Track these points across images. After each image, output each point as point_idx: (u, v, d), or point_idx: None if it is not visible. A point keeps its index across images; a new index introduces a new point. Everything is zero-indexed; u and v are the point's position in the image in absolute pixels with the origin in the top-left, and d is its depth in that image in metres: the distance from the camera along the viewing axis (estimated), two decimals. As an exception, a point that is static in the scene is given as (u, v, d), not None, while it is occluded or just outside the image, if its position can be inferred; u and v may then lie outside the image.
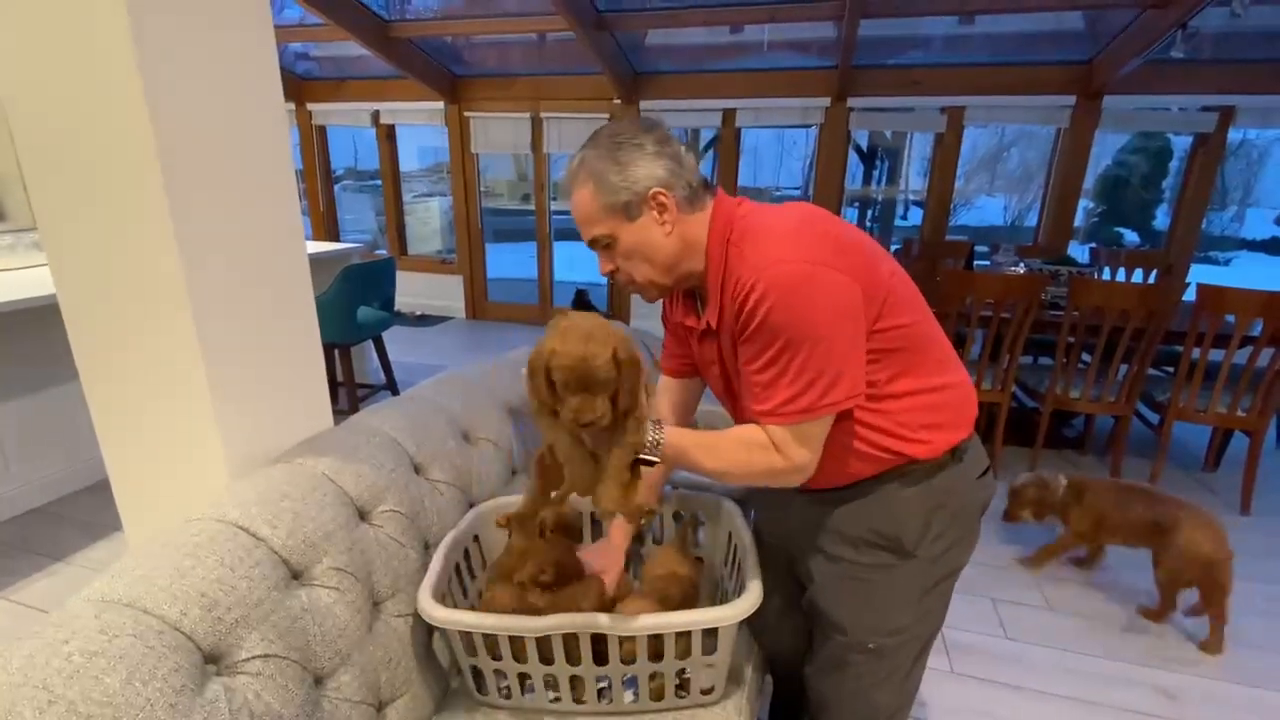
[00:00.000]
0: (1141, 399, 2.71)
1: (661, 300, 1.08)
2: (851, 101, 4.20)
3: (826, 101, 4.21)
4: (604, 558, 1.14)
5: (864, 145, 7.11)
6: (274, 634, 0.78)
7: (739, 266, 0.83)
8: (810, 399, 0.81)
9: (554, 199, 5.19)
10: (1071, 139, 3.93)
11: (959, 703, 1.61)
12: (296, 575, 0.88)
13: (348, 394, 3.04)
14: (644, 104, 4.58)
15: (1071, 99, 3.83)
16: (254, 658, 0.75)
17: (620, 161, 0.87)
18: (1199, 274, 4.01)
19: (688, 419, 1.16)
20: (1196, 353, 2.41)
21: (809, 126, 4.44)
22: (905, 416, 0.87)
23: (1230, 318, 2.36)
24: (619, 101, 4.58)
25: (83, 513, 2.40)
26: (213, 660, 0.73)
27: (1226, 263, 9.54)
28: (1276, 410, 2.53)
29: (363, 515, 1.02)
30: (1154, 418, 2.80)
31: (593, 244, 0.93)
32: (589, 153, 0.89)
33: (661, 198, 0.88)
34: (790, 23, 3.76)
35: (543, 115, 4.84)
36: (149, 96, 0.85)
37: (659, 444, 0.85)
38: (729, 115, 4.45)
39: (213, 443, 1.03)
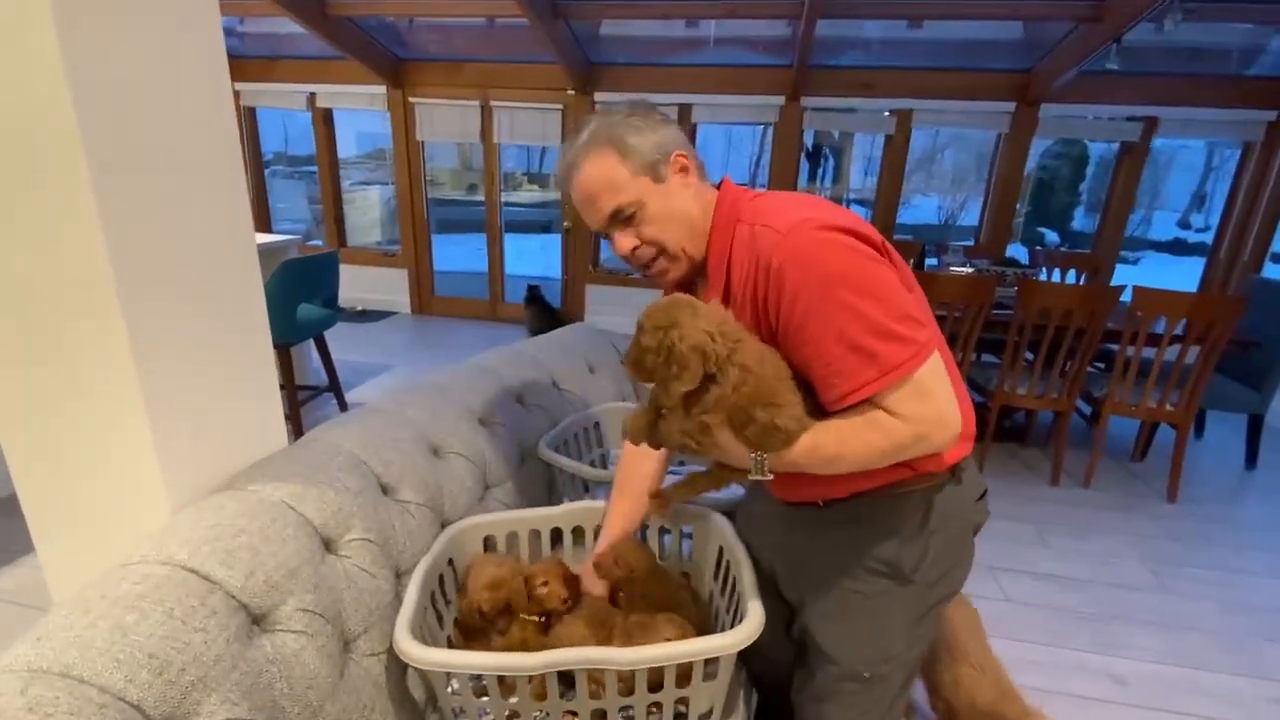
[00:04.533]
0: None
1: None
2: (805, 101, 4.23)
3: (781, 100, 4.23)
4: (589, 578, 1.08)
5: (809, 145, 7.24)
6: (237, 693, 0.69)
7: (758, 243, 0.79)
8: (916, 341, 0.74)
9: (504, 189, 5.03)
10: (1011, 144, 4.10)
11: (922, 698, 1.64)
12: (258, 621, 0.78)
13: (288, 397, 2.85)
14: (599, 96, 4.49)
15: (1012, 105, 3.98)
16: (215, 724, 0.66)
17: (637, 126, 0.84)
18: (1116, 274, 4.27)
19: None
20: (1131, 350, 2.55)
21: (765, 125, 4.46)
22: None
23: (1161, 317, 2.50)
24: (573, 92, 4.47)
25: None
26: (166, 732, 0.63)
27: (1135, 262, 10.24)
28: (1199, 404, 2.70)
29: (329, 546, 0.93)
30: (1087, 410, 2.96)
31: (613, 218, 0.86)
32: (599, 123, 0.85)
33: (683, 159, 0.86)
34: (747, 19, 3.76)
35: (492, 104, 4.68)
36: (68, 61, 0.73)
37: (763, 464, 0.78)
38: (685, 110, 4.41)
39: (149, 467, 0.90)
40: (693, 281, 0.95)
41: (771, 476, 0.79)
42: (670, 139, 0.86)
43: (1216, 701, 1.67)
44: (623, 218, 0.85)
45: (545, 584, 0.99)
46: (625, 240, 0.87)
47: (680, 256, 0.87)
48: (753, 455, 0.78)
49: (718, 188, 0.90)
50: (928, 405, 0.75)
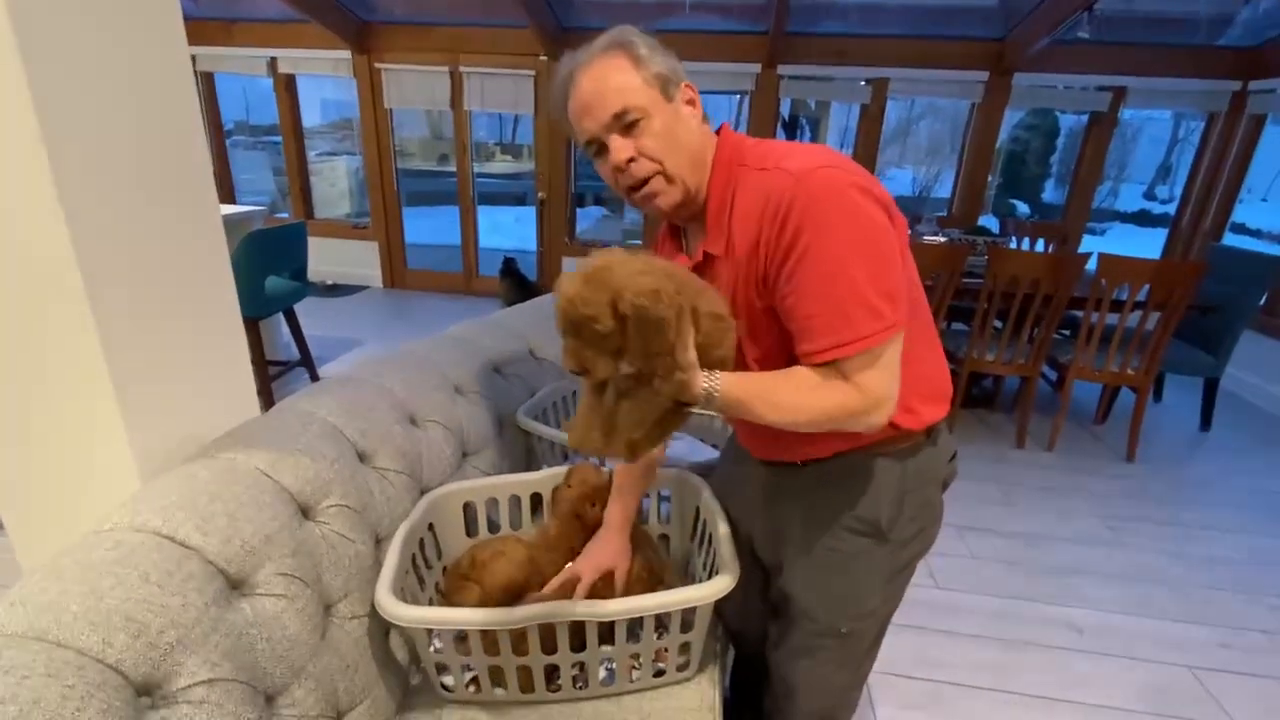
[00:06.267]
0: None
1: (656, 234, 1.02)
2: (781, 69, 4.20)
3: (757, 68, 4.19)
4: (607, 553, 1.05)
5: (785, 115, 7.18)
6: (217, 655, 0.69)
7: (769, 184, 0.76)
8: (891, 317, 0.74)
9: (476, 160, 4.93)
10: (984, 114, 4.12)
11: (896, 653, 1.70)
12: (236, 585, 0.78)
13: (258, 373, 2.79)
14: (571, 62, 4.39)
15: (985, 74, 4.00)
16: (196, 684, 0.66)
17: (650, 43, 0.82)
18: (1083, 244, 4.36)
19: None
20: (1095, 316, 2.62)
21: (741, 93, 4.42)
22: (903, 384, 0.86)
23: (1125, 284, 2.57)
24: (545, 58, 4.37)
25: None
26: (147, 693, 0.63)
27: (1102, 233, 10.44)
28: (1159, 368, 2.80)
29: (306, 512, 0.93)
30: (1052, 375, 3.05)
31: (615, 120, 0.79)
32: (610, 34, 0.82)
33: (691, 92, 0.85)
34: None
35: (462, 69, 4.55)
36: (20, 36, 0.69)
37: (713, 395, 0.74)
38: (659, 78, 4.34)
39: (117, 439, 0.89)
40: (679, 230, 0.94)
41: (718, 415, 0.77)
42: (680, 69, 0.83)
43: (1170, 648, 1.76)
44: (626, 121, 0.79)
45: (594, 504, 1.05)
46: (623, 149, 0.79)
47: (677, 181, 0.82)
48: (705, 378, 0.73)
49: (716, 134, 0.88)
50: (881, 382, 0.76)
